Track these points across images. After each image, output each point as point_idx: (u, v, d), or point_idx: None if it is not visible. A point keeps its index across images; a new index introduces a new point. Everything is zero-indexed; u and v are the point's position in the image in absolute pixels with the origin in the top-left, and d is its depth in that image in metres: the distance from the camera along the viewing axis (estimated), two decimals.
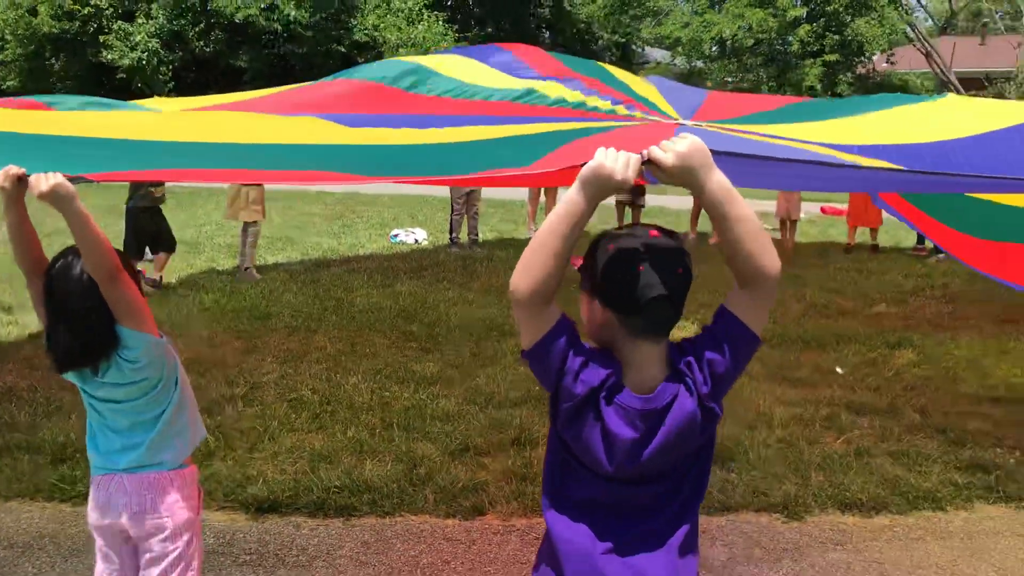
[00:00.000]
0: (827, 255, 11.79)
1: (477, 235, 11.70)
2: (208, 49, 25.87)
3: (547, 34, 42.44)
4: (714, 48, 28.00)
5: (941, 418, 5.63)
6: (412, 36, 26.29)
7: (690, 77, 29.32)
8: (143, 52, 25.00)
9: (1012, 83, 29.15)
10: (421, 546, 4.04)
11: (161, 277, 8.75)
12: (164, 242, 8.79)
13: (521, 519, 4.31)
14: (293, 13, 24.38)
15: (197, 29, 25.58)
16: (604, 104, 2.81)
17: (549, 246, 1.73)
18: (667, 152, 1.70)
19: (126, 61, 24.97)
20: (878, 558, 4.02)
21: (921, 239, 11.78)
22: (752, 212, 1.76)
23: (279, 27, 24.93)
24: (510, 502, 4.43)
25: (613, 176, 1.70)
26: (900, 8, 25.56)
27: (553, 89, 2.92)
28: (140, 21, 25.39)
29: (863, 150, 2.82)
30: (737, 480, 4.69)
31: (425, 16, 28.05)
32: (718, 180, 1.72)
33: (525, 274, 1.75)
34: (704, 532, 4.20)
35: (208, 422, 5.21)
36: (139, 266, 8.25)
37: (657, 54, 40.25)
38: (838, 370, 6.67)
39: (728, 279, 1.86)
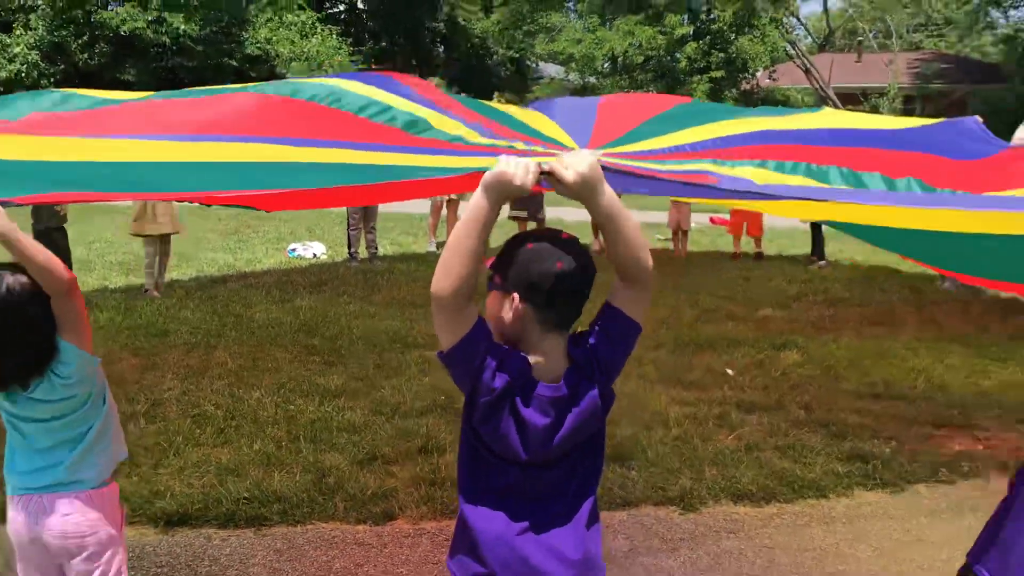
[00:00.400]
0: (717, 263, 12.26)
1: (376, 248, 11.73)
2: (92, 62, 25.09)
3: (442, 48, 42.72)
4: (606, 64, 28.75)
5: (824, 413, 5.98)
6: (305, 50, 26.10)
7: (583, 92, 29.98)
8: (22, 64, 24.08)
9: (885, 98, 30.81)
10: (333, 551, 4.10)
11: None
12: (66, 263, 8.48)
13: (431, 522, 4.41)
14: (182, 26, 23.87)
15: (80, 41, 24.79)
16: (502, 142, 2.94)
17: (464, 247, 1.88)
18: (568, 169, 1.87)
19: (3, 74, 23.99)
20: (768, 543, 4.28)
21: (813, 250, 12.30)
22: (634, 219, 1.96)
23: (167, 40, 24.38)
24: (420, 506, 4.53)
25: (513, 181, 1.86)
26: (781, 27, 26.78)
27: (450, 125, 3.02)
28: (18, 32, 24.44)
29: (752, 137, 3.06)
30: (636, 477, 4.91)
31: (318, 29, 27.88)
32: (609, 194, 1.91)
33: (445, 276, 1.89)
34: (607, 526, 4.41)
35: None
36: None
37: (551, 69, 40.97)
38: (728, 372, 6.99)
39: None
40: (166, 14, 24.05)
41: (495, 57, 40.38)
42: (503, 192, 1.89)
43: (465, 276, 1.88)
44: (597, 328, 2.06)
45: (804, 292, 10.24)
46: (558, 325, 2.01)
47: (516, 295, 1.97)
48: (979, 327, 8.37)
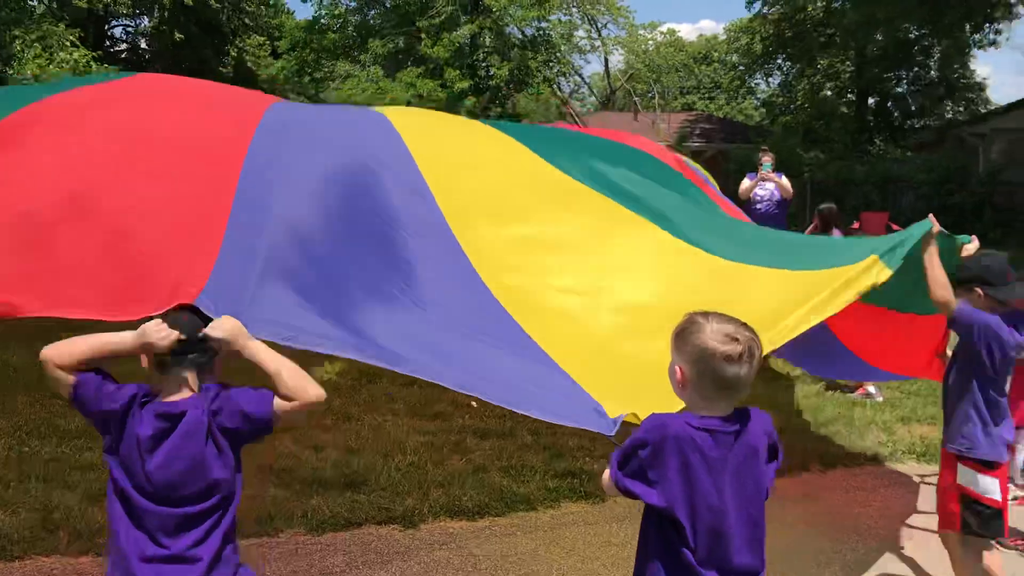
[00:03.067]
0: None
1: None
2: None
3: None
4: None
5: (549, 438, 6.56)
6: None
7: None
8: None
9: None
10: None
11: None
12: None
13: None
14: None
15: None
16: None
17: (74, 347, 2.50)
18: (215, 329, 2.48)
19: None
20: (475, 552, 4.74)
21: None
22: (284, 361, 2.50)
23: None
24: None
25: (154, 345, 2.46)
26: (552, 86, 28.53)
27: None
28: None
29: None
30: (364, 500, 5.25)
31: (93, 68, 26.81)
32: (255, 344, 2.51)
33: (58, 351, 2.50)
34: (329, 545, 4.74)
35: None
36: None
37: None
38: (473, 404, 7.49)
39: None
40: None
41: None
42: (144, 349, 2.48)
43: (71, 364, 2.50)
44: (245, 391, 2.53)
45: None
46: (170, 368, 2.51)
47: None
48: None
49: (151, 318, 2.56)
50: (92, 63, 26.88)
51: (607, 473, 2.52)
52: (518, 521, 5.17)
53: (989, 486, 3.84)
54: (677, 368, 2.43)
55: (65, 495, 5.11)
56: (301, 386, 2.47)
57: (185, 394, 2.49)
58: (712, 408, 2.40)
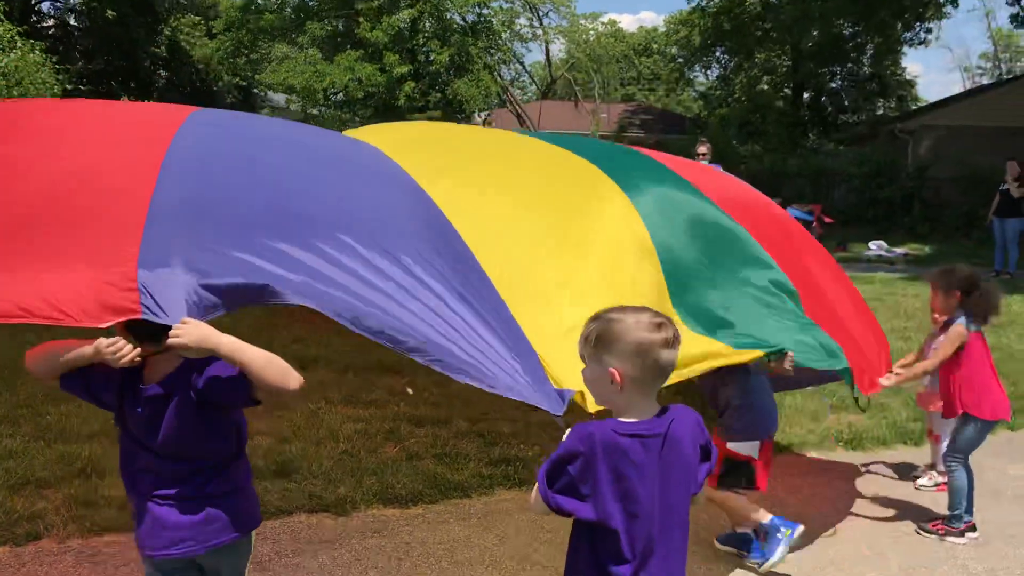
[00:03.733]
0: None
1: None
2: None
3: (163, 73, 41.02)
4: (335, 95, 29.02)
5: (485, 425, 6.55)
6: (2, 65, 24.16)
7: (306, 122, 30.08)
8: None
9: None
10: None
11: None
12: None
13: (78, 540, 4.44)
14: None
15: None
16: None
17: (45, 363, 2.65)
18: (181, 337, 2.41)
19: None
20: (407, 539, 4.70)
21: None
22: (259, 353, 2.47)
23: None
24: (67, 526, 4.54)
25: (109, 363, 2.54)
26: (493, 73, 28.44)
27: None
28: None
29: None
30: (295, 488, 5.18)
31: (19, 44, 25.88)
32: (228, 343, 2.44)
33: (32, 368, 2.69)
34: (258, 534, 4.61)
35: None
36: None
37: (281, 98, 40.61)
38: (409, 391, 7.44)
39: None
40: None
41: (220, 84, 39.41)
42: (100, 360, 2.56)
43: (42, 374, 2.69)
44: (221, 368, 2.55)
45: None
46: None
47: None
48: None
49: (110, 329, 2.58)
50: (17, 38, 25.93)
51: (534, 491, 2.42)
52: (451, 508, 5.15)
53: (742, 448, 4.58)
54: (613, 371, 2.34)
55: None
56: (282, 381, 2.48)
57: (171, 367, 2.60)
58: (643, 405, 2.37)
